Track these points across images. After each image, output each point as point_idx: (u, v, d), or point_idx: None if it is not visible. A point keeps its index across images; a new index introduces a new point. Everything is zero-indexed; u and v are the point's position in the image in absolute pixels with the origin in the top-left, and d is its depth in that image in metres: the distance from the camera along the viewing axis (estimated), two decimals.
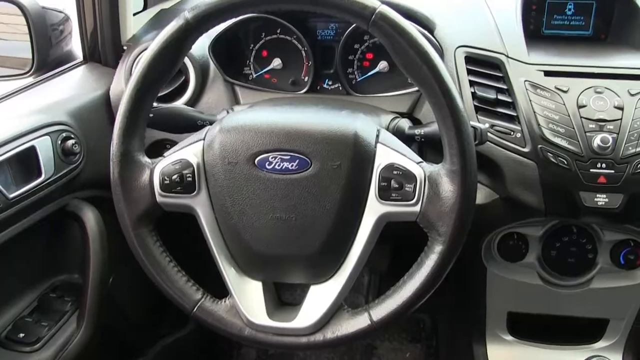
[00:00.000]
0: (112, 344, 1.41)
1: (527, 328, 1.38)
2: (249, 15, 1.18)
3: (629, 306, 1.30)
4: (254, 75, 1.27)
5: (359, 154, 0.85)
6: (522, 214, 1.15)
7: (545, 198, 1.08)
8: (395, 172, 0.85)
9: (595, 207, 1.06)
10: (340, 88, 1.24)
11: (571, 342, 1.35)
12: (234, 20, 1.18)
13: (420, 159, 0.87)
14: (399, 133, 1.02)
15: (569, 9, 1.26)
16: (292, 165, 0.86)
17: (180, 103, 1.23)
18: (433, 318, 1.89)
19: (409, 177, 0.85)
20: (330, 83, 1.25)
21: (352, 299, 1.93)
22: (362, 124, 0.88)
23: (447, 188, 0.83)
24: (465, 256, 1.29)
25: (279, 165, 0.86)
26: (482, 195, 1.13)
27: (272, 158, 0.86)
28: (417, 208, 0.85)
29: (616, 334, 1.34)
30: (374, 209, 0.87)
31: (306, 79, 1.24)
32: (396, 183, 0.85)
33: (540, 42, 1.23)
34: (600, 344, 1.35)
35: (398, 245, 1.81)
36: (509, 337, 1.38)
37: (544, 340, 1.36)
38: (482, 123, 1.07)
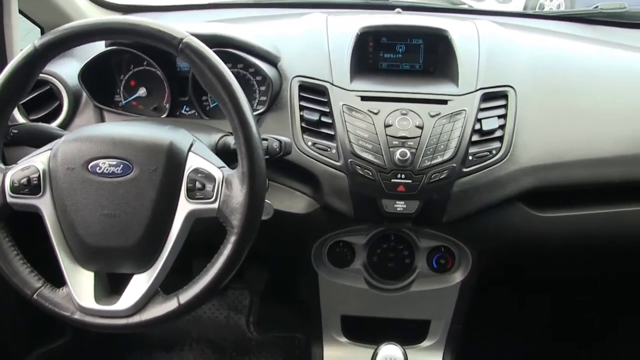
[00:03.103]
0: None
1: (361, 330, 1.53)
2: (118, 48, 1.36)
3: (446, 307, 1.48)
4: (123, 102, 1.44)
5: (172, 160, 1.03)
6: (339, 221, 1.33)
7: (354, 205, 1.26)
8: (199, 175, 1.03)
9: (395, 213, 1.25)
10: (196, 114, 1.42)
11: (401, 342, 1.51)
12: (103, 51, 1.36)
13: (222, 164, 1.05)
14: (226, 147, 1.20)
15: (400, 47, 1.44)
16: (117, 170, 1.03)
17: (54, 125, 1.38)
18: (307, 335, 2.04)
19: (210, 178, 1.02)
20: (187, 109, 1.43)
21: (235, 319, 2.08)
22: (178, 136, 1.06)
23: (238, 188, 1.01)
24: (298, 262, 1.47)
25: (107, 170, 1.03)
26: (305, 205, 1.32)
27: (102, 163, 1.03)
28: (216, 205, 1.02)
29: (437, 333, 1.51)
30: (183, 207, 1.03)
31: (167, 105, 1.42)
32: (200, 184, 1.02)
33: (376, 74, 1.40)
34: (425, 343, 1.53)
35: (275, 267, 1.98)
36: (344, 339, 1.54)
37: (376, 341, 1.50)
38: (307, 142, 1.27)
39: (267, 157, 1.13)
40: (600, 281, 1.93)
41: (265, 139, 1.14)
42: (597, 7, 1.80)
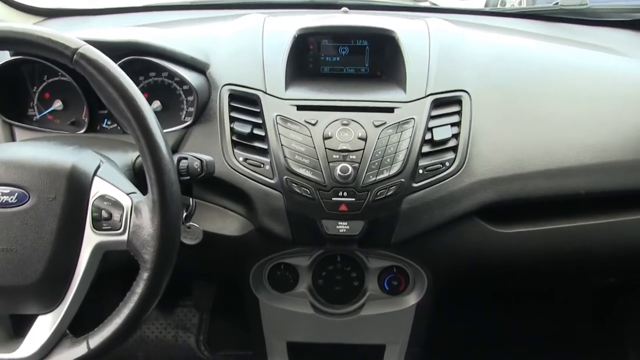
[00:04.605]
0: None
1: (311, 356, 1.41)
2: (23, 57, 1.20)
3: (401, 331, 1.35)
4: (38, 116, 1.29)
5: (74, 186, 0.90)
6: (276, 244, 1.20)
7: (291, 227, 1.14)
8: (105, 203, 0.90)
9: (337, 234, 1.13)
10: (119, 127, 1.28)
11: None
12: (6, 61, 1.21)
13: (133, 190, 0.92)
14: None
15: (344, 50, 1.32)
16: (11, 199, 0.90)
17: None
18: None
19: (118, 207, 0.90)
20: (109, 123, 1.29)
21: (184, 338, 1.95)
22: (83, 158, 0.93)
23: (148, 217, 0.88)
24: (236, 287, 1.34)
25: None
26: (239, 226, 1.19)
27: None
28: (125, 237, 0.90)
29: (393, 358, 1.39)
30: (89, 239, 0.91)
31: (86, 119, 1.27)
32: (106, 213, 0.90)
33: (317, 80, 1.28)
34: None
35: (222, 283, 1.85)
36: None
37: None
38: (237, 157, 1.14)
39: (187, 178, 1.02)
40: (568, 295, 1.85)
41: (185, 158, 1.02)
42: (557, 3, 1.73)
